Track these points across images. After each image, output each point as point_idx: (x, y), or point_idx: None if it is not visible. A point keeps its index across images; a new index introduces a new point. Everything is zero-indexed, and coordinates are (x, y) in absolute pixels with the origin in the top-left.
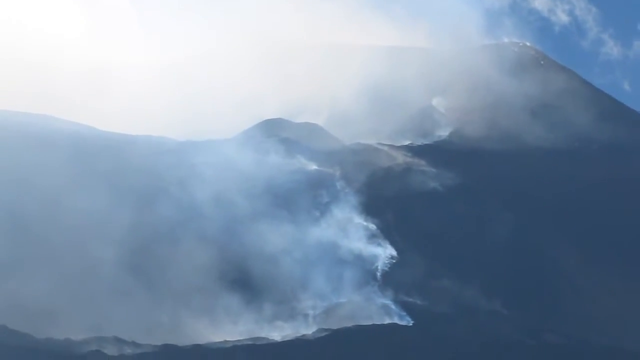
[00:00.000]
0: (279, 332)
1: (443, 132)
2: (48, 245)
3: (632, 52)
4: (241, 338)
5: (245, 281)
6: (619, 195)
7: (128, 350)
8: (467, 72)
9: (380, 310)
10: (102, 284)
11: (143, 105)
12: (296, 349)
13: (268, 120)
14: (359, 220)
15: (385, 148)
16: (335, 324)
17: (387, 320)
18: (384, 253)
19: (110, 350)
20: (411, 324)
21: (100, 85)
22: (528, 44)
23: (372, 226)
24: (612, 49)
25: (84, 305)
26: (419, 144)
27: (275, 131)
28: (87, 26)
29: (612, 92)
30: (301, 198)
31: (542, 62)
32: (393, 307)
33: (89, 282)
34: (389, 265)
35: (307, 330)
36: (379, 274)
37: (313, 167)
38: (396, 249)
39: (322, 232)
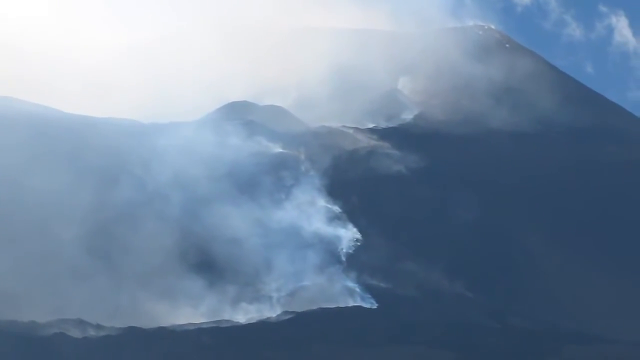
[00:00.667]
0: (243, 315)
1: (407, 115)
2: (10, 226)
3: (594, 33)
4: (205, 320)
5: (208, 263)
6: (583, 178)
7: (92, 333)
8: (432, 55)
9: (344, 292)
10: (64, 266)
11: (108, 87)
12: (260, 331)
13: (233, 102)
14: (323, 202)
15: (350, 131)
16: (299, 307)
17: (351, 303)
18: (348, 236)
19: (74, 332)
20: (375, 307)
21: (64, 67)
22: (493, 27)
23: (337, 209)
24: (574, 30)
25: (47, 287)
26: (384, 126)
27: (239, 114)
28: (51, 7)
29: (575, 73)
30: (265, 180)
31: (506, 45)
32: (357, 289)
33: (50, 263)
34: (353, 248)
35: (272, 312)
36: (343, 256)
37: (277, 149)
38: (360, 232)
39: (286, 214)
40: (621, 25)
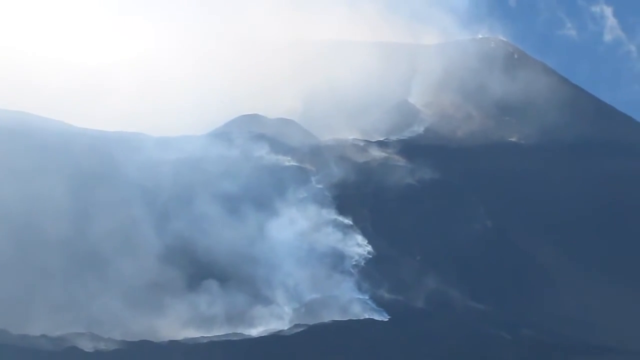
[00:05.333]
0: (255, 328)
1: (418, 128)
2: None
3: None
4: (218, 334)
5: (219, 277)
6: (595, 190)
7: (103, 346)
8: (443, 67)
9: (356, 305)
10: (71, 278)
11: (116, 99)
12: (272, 344)
13: (243, 115)
14: (335, 216)
15: (361, 144)
16: (311, 320)
17: (363, 316)
18: (359, 248)
19: (86, 346)
20: (387, 319)
21: (64, 74)
22: (503, 39)
23: (348, 222)
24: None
25: (57, 300)
26: (395, 139)
27: (250, 127)
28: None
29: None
30: (276, 194)
31: (516, 57)
32: (369, 302)
33: (58, 275)
34: (364, 261)
35: (283, 325)
36: (354, 269)
37: (288, 162)
38: (371, 244)
39: (297, 227)
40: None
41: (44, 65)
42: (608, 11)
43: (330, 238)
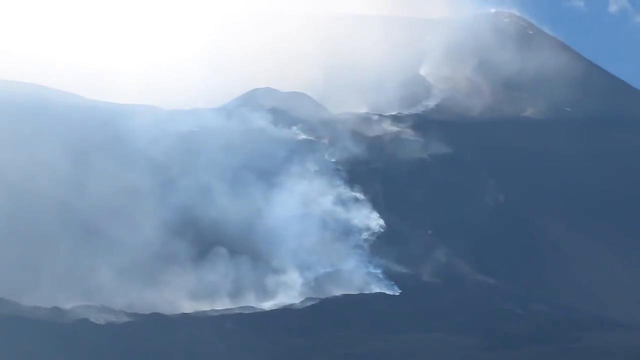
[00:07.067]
0: (267, 302)
1: (431, 102)
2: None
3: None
4: (230, 307)
5: (233, 251)
6: (605, 164)
7: (114, 319)
8: (456, 42)
9: (367, 279)
10: (84, 251)
11: (125, 73)
12: (284, 317)
13: (256, 89)
14: (347, 189)
15: (374, 117)
16: (322, 294)
17: (374, 290)
18: (371, 222)
19: (98, 318)
20: (398, 293)
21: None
22: (517, 13)
23: (360, 195)
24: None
25: (71, 274)
26: (407, 113)
27: (263, 100)
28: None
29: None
30: (289, 167)
31: (530, 32)
32: (380, 276)
33: (71, 249)
34: (377, 235)
35: (295, 299)
36: (366, 243)
37: (301, 136)
38: (383, 218)
39: (309, 201)
40: None
41: (62, 42)
42: None
43: (342, 212)
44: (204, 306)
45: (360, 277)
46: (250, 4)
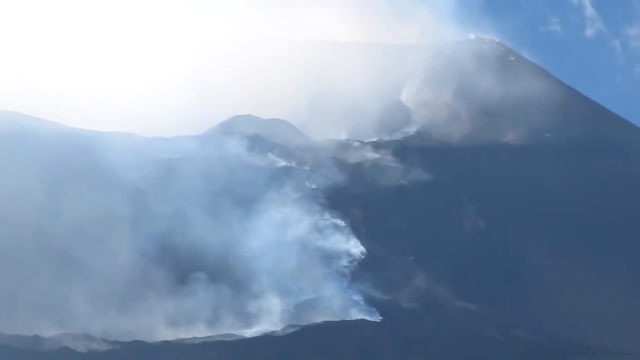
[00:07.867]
0: (248, 329)
1: (411, 129)
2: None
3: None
4: (211, 334)
5: (211, 278)
6: (586, 190)
7: (96, 347)
8: (436, 68)
9: (348, 306)
10: (63, 279)
11: (108, 98)
12: (265, 345)
13: (237, 116)
14: (328, 216)
15: (355, 144)
16: (304, 320)
17: (355, 316)
18: (352, 249)
19: (79, 346)
20: (379, 320)
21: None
22: (496, 40)
23: (341, 222)
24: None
25: (50, 301)
26: (387, 140)
27: (243, 127)
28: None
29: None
30: (269, 194)
31: (511, 59)
32: (361, 302)
33: (52, 276)
34: (357, 262)
35: (276, 326)
36: (347, 270)
37: (281, 163)
38: (364, 245)
39: (290, 228)
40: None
41: (42, 69)
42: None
43: (322, 238)
44: (184, 333)
45: (341, 304)
46: (231, 31)
